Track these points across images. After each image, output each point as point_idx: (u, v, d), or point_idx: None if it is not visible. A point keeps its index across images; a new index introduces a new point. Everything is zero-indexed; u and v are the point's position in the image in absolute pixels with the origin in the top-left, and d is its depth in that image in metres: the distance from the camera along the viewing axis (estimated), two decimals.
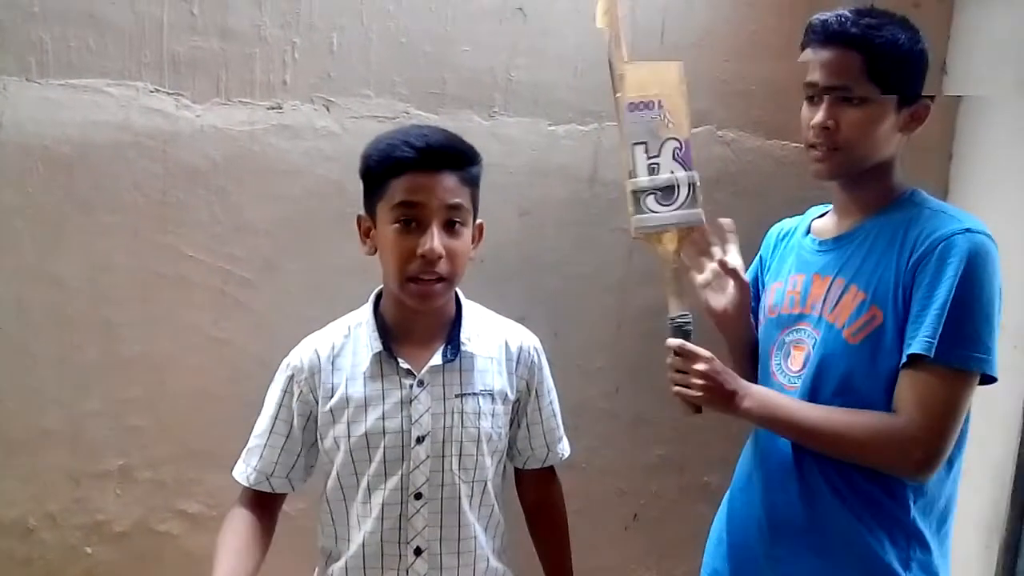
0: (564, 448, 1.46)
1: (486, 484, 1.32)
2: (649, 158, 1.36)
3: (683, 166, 1.36)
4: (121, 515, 1.80)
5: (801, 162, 1.93)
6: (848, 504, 1.28)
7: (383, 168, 1.23)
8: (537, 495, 1.46)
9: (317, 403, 1.30)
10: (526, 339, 1.39)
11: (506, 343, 1.36)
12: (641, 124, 1.36)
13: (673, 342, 1.34)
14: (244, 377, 1.79)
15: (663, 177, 1.36)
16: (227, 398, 1.80)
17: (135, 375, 1.77)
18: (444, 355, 1.28)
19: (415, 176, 1.21)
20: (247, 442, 1.36)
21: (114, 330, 1.75)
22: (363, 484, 1.27)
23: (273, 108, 1.73)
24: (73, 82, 1.66)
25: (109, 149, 1.69)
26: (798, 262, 1.40)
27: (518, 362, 1.36)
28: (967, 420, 1.28)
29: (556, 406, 1.44)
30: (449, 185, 1.22)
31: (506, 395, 1.34)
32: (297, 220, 1.77)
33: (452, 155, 1.23)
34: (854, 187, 1.33)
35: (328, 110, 1.75)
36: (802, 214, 1.51)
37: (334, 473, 1.29)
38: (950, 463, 1.29)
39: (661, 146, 1.36)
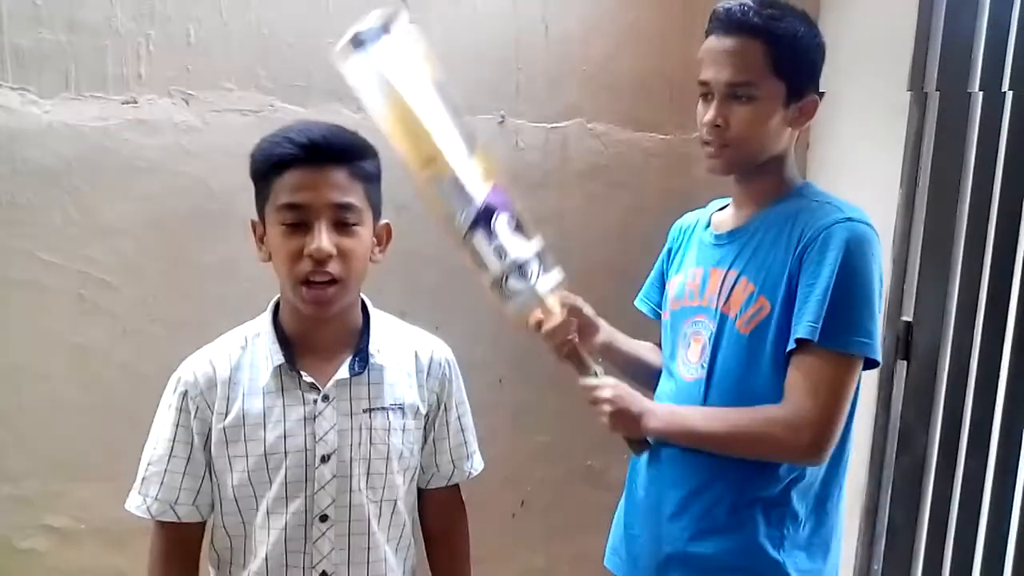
0: (473, 465, 1.36)
1: (396, 503, 1.24)
2: (491, 244, 1.27)
3: (521, 231, 1.29)
4: None
5: (668, 153, 2.01)
6: (726, 484, 1.32)
7: (265, 168, 1.14)
8: (440, 523, 1.36)
9: (212, 419, 1.19)
10: (438, 350, 1.31)
11: (416, 354, 1.28)
12: (459, 203, 1.25)
13: (582, 383, 1.35)
14: (107, 384, 1.73)
15: (512, 256, 1.28)
16: (90, 406, 1.73)
17: None
18: (351, 368, 1.20)
19: (298, 173, 1.12)
20: (140, 471, 1.22)
21: None
22: (262, 507, 1.18)
23: (128, 103, 1.66)
24: None
25: None
26: (698, 255, 1.43)
27: (429, 374, 1.28)
28: (853, 404, 1.32)
29: (468, 420, 1.36)
30: (337, 182, 1.13)
31: (417, 409, 1.26)
32: (158, 219, 1.71)
33: (338, 149, 1.14)
34: (748, 181, 1.36)
35: (187, 104, 1.69)
36: (680, 201, 1.54)
37: (230, 495, 1.19)
38: (841, 446, 1.32)
39: (493, 224, 1.27)
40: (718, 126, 1.29)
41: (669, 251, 1.55)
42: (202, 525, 1.23)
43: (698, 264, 1.41)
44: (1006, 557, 1.68)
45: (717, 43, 1.29)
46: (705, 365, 1.34)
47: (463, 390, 1.35)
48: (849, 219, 1.25)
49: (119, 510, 1.77)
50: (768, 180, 1.35)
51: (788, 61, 1.27)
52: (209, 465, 1.20)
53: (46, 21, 1.61)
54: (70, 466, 1.74)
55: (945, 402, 1.79)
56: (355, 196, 1.15)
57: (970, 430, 1.75)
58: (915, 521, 1.87)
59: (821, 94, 1.32)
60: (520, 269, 1.29)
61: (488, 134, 1.91)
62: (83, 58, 1.63)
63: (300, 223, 1.12)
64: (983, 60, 1.69)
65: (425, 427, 1.30)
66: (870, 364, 1.27)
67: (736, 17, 1.27)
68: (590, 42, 1.94)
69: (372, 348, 1.22)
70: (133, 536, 1.78)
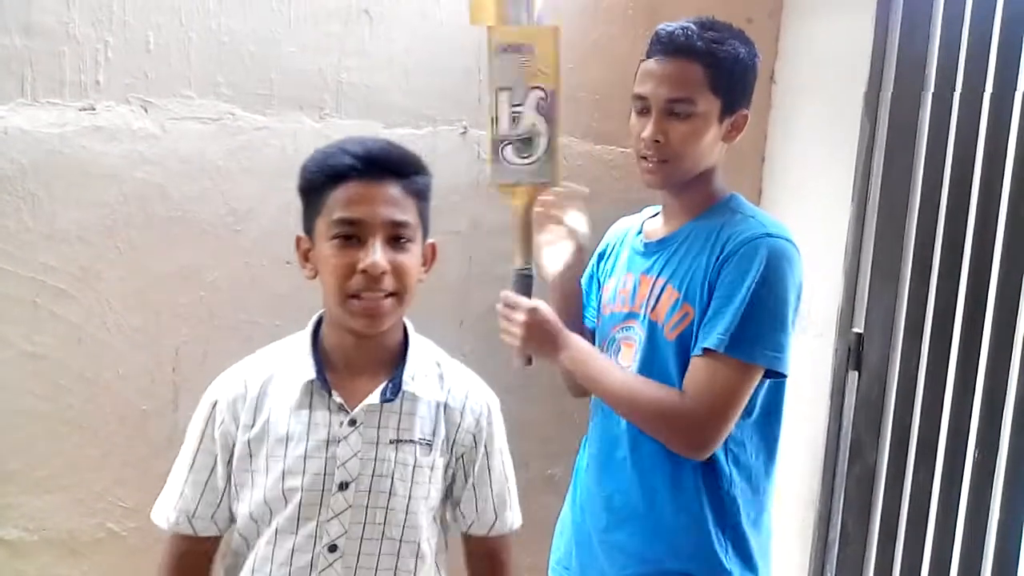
0: (513, 518, 1.27)
1: (419, 545, 1.17)
2: (512, 106, 1.34)
3: (545, 119, 1.35)
4: None
5: (627, 166, 2.03)
6: (676, 492, 1.35)
7: (320, 180, 1.11)
8: (482, 572, 1.28)
9: (238, 431, 1.14)
10: (477, 389, 1.24)
11: (454, 389, 1.21)
12: (509, 68, 1.32)
13: (503, 293, 1.38)
14: (62, 393, 1.70)
15: (523, 127, 1.35)
16: (45, 416, 1.70)
17: None
18: (383, 393, 1.14)
19: (354, 186, 1.09)
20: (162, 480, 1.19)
21: None
22: (273, 525, 1.13)
23: (85, 109, 1.65)
24: None
25: None
26: (629, 262, 1.46)
27: (464, 413, 1.20)
28: (779, 414, 1.38)
29: (510, 471, 1.28)
30: (392, 196, 1.10)
31: (446, 448, 1.20)
32: (115, 226, 1.69)
33: (394, 163, 1.12)
34: (679, 192, 1.39)
35: (146, 111, 1.68)
36: (638, 212, 1.56)
37: (246, 511, 1.15)
38: (770, 458, 1.38)
39: (527, 94, 1.34)
40: (657, 141, 1.32)
41: (601, 255, 1.57)
42: (218, 540, 1.19)
43: (629, 270, 1.45)
44: (952, 563, 1.72)
45: (657, 65, 1.32)
46: (635, 369, 1.38)
47: (504, 437, 1.27)
48: (769, 234, 1.29)
49: (73, 521, 1.77)
50: (698, 192, 1.38)
51: (725, 80, 1.31)
52: (230, 479, 1.16)
53: (0, 26, 1.59)
54: (22, 476, 1.71)
55: (895, 412, 1.83)
56: (409, 212, 1.12)
57: (918, 439, 1.79)
58: (866, 529, 1.91)
59: (748, 108, 1.36)
60: (523, 143, 1.36)
61: (451, 145, 1.93)
62: (40, 64, 1.62)
63: (353, 237, 1.09)
64: (936, 74, 1.73)
65: (463, 469, 1.23)
66: (776, 375, 1.31)
67: (679, 41, 1.30)
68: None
69: (407, 375, 1.16)
70: (88, 547, 1.77)
